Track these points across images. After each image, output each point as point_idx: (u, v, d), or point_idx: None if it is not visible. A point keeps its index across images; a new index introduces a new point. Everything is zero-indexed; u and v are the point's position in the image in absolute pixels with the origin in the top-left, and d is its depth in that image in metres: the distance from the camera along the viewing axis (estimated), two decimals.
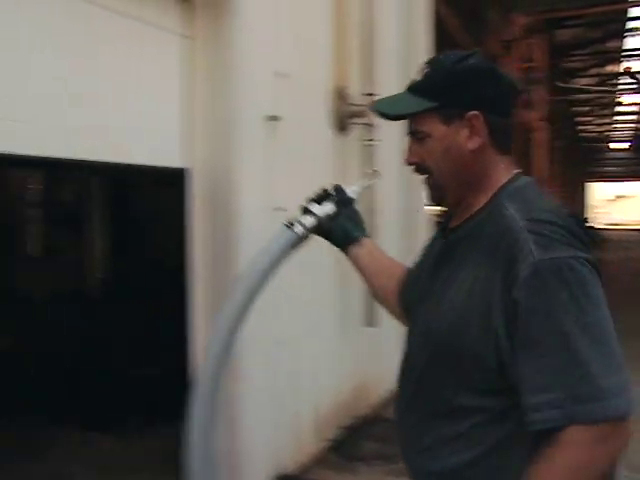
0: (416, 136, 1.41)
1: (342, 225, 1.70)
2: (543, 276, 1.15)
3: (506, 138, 1.40)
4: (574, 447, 1.13)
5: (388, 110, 1.47)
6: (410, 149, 1.43)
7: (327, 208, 1.74)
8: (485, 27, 10.61)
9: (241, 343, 3.25)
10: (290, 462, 3.82)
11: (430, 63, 1.42)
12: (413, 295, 1.48)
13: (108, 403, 4.64)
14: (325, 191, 1.73)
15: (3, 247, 6.46)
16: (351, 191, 1.76)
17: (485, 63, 1.40)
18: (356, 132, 4.23)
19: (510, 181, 1.37)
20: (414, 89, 1.41)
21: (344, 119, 4.10)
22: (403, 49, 5.29)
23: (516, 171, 1.40)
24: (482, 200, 1.36)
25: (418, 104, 1.38)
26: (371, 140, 4.08)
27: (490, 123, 1.35)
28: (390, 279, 1.62)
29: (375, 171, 1.69)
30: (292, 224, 1.69)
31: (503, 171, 1.38)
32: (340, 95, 4.14)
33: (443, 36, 6.76)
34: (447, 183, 1.40)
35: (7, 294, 5.77)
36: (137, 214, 5.38)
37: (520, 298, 1.16)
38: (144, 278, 4.82)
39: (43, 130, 2.56)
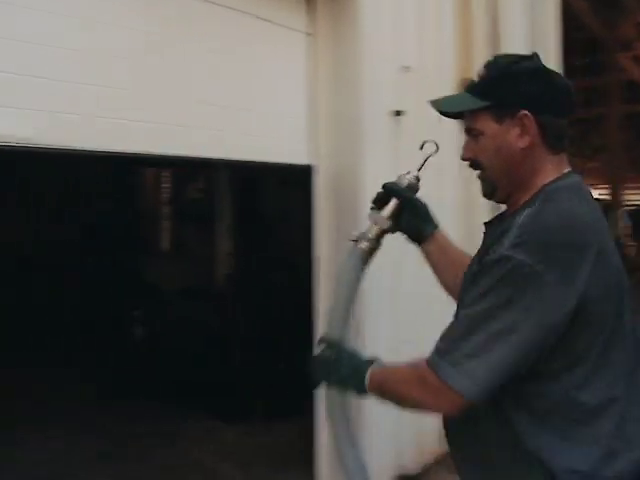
0: (471, 133, 1.49)
1: (408, 223, 1.75)
2: (495, 266, 1.30)
3: (558, 137, 1.45)
4: (414, 372, 1.41)
5: (446, 108, 1.56)
6: (465, 145, 1.51)
7: (387, 211, 1.74)
8: (618, 10, 10.01)
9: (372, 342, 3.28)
10: (412, 463, 3.81)
11: (487, 65, 1.49)
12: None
13: (235, 395, 4.78)
14: (383, 191, 1.76)
15: (138, 243, 6.85)
16: (409, 180, 1.74)
17: (539, 65, 1.47)
18: None
19: (553, 181, 1.42)
20: (471, 89, 1.49)
21: None
22: (529, 36, 5.06)
23: (566, 170, 1.45)
24: (525, 198, 1.42)
25: (473, 103, 1.46)
26: None
27: (541, 123, 1.41)
28: (458, 275, 1.62)
29: (427, 142, 1.57)
30: (357, 240, 1.74)
31: (551, 171, 1.43)
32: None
33: (571, 20, 6.43)
34: (498, 179, 1.48)
35: (141, 289, 6.11)
36: (264, 211, 5.50)
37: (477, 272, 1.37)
38: (271, 275, 4.93)
39: (180, 131, 2.68)
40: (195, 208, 7.02)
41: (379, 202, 1.77)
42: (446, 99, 1.58)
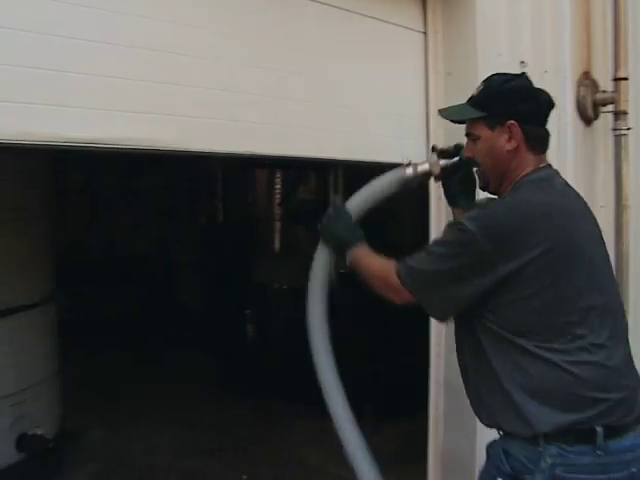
0: (470, 137, 1.94)
1: (452, 186, 2.21)
2: (455, 228, 1.83)
3: (539, 142, 1.88)
4: (384, 268, 1.94)
5: (452, 116, 2.02)
6: (467, 147, 1.98)
7: (445, 162, 2.12)
8: None
9: None
10: None
11: (485, 82, 1.93)
12: None
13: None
14: (454, 147, 2.15)
15: (250, 244, 7.03)
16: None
17: (526, 83, 1.92)
18: (605, 121, 3.92)
19: (528, 174, 1.85)
20: (471, 102, 1.93)
21: (592, 107, 3.82)
22: None
23: (541, 165, 1.88)
24: (509, 189, 1.87)
25: (472, 113, 1.90)
26: (624, 129, 3.73)
27: (525, 131, 1.83)
28: None
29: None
30: (409, 164, 2.17)
31: (529, 167, 1.86)
32: (587, 82, 3.86)
33: None
34: (490, 173, 1.92)
35: (253, 289, 6.26)
36: (379, 211, 5.47)
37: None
38: None
39: (299, 132, 2.75)
40: (306, 208, 7.16)
41: (443, 153, 2.17)
42: (452, 109, 2.03)
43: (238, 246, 6.73)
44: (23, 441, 3.95)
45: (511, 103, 1.84)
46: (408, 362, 4.97)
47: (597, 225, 1.91)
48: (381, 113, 3.17)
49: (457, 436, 3.36)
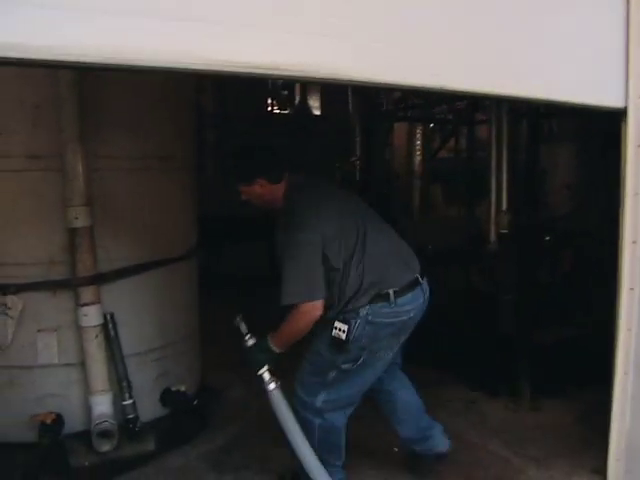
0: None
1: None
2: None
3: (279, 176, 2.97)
4: (291, 317, 2.77)
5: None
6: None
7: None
8: None
9: None
10: None
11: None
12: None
13: (501, 366, 4.41)
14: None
15: (390, 202, 6.68)
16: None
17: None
18: None
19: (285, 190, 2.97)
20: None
21: None
22: None
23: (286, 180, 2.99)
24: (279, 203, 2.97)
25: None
26: None
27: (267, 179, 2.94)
28: None
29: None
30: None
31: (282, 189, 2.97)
32: None
33: None
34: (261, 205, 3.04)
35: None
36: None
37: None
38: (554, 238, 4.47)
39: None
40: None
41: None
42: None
43: (376, 204, 6.39)
44: (167, 396, 3.87)
45: (253, 169, 2.98)
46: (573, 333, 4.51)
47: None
48: (577, 50, 2.70)
49: None
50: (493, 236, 4.27)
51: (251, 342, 2.92)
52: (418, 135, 6.78)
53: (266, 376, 2.85)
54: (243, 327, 2.98)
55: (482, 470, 3.49)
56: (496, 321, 4.56)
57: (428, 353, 5.06)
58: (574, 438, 3.73)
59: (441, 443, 3.37)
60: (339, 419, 2.97)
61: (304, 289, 2.70)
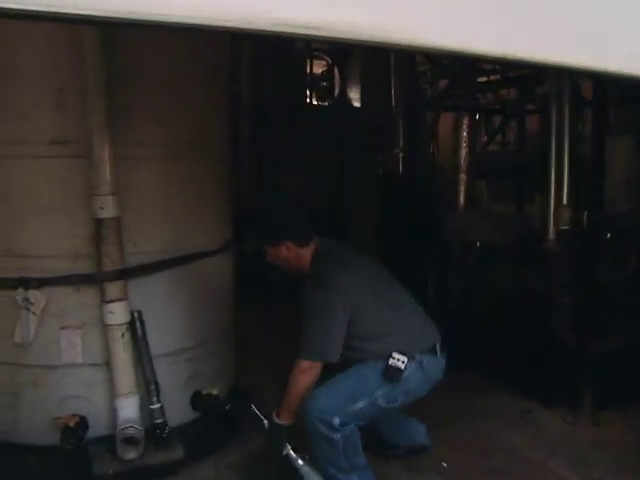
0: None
1: None
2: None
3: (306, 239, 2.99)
4: (294, 380, 2.85)
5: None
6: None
7: None
8: None
9: None
10: None
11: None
12: None
13: (558, 374, 4.07)
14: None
15: (434, 197, 6.37)
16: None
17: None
18: None
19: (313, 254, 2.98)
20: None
21: None
22: None
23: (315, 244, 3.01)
24: (307, 266, 2.98)
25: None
26: None
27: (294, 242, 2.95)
28: None
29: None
30: None
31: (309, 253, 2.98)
32: None
33: None
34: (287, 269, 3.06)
35: (437, 246, 5.62)
36: None
37: None
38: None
39: None
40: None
41: None
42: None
43: (420, 199, 6.08)
44: (197, 399, 3.64)
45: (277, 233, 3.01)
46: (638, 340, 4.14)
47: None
48: None
49: None
50: (552, 233, 3.92)
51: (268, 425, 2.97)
52: (464, 127, 6.39)
53: (292, 454, 2.89)
54: (258, 413, 3.04)
55: None
56: (550, 324, 4.22)
57: (472, 356, 4.76)
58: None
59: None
60: (354, 432, 2.90)
61: (319, 349, 2.80)
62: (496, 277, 4.85)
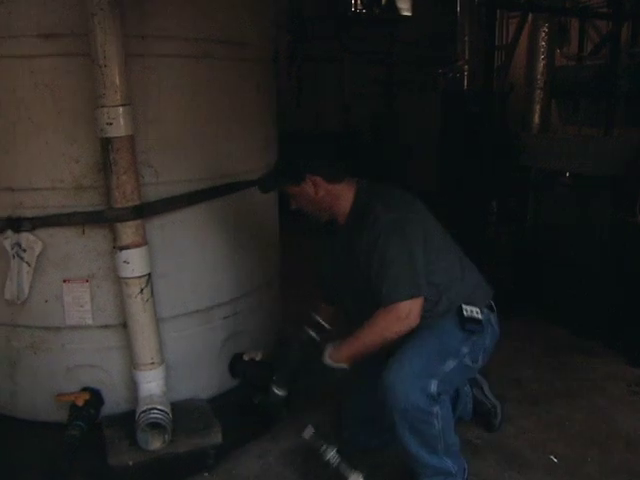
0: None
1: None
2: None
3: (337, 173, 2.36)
4: (378, 322, 2.22)
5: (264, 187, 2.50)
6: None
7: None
8: None
9: None
10: None
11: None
12: (339, 282, 2.48)
13: None
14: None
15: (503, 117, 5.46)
16: None
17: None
18: None
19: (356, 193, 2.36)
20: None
21: None
22: None
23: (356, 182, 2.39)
24: (346, 207, 2.35)
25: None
26: None
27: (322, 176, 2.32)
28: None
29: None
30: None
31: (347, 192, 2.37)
32: None
33: None
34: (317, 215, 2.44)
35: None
36: None
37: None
38: None
39: None
40: None
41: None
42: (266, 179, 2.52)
43: (484, 120, 5.17)
44: (238, 365, 2.95)
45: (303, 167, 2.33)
46: None
47: None
48: None
49: None
50: None
51: (330, 455, 2.37)
52: (544, 34, 5.39)
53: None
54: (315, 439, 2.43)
55: None
56: None
57: (564, 310, 4.00)
58: None
59: None
60: (449, 407, 2.36)
61: (416, 280, 2.20)
62: (592, 214, 4.00)
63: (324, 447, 2.37)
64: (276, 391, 2.51)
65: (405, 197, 2.35)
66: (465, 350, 2.28)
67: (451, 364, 2.24)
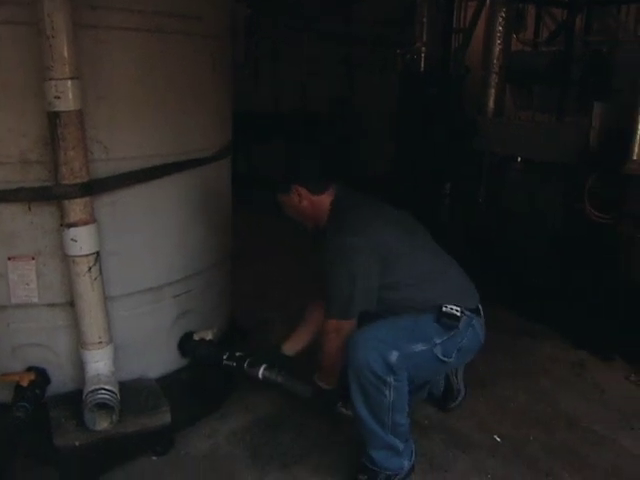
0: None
1: None
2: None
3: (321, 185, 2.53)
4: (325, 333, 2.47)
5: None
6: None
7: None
8: None
9: None
10: None
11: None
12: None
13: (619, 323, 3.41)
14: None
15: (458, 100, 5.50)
16: None
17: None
18: None
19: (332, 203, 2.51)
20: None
21: None
22: None
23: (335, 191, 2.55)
24: (324, 217, 2.51)
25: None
26: None
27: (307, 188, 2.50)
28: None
29: None
30: None
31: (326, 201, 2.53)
32: None
33: None
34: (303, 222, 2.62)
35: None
36: None
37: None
38: None
39: None
40: None
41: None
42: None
43: (441, 103, 5.21)
44: (187, 344, 2.93)
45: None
46: None
47: None
48: None
49: None
50: (637, 153, 3.13)
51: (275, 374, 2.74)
52: (501, 19, 5.43)
53: (344, 411, 2.60)
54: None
55: None
56: (614, 263, 3.50)
57: (512, 294, 4.09)
58: None
59: None
60: (406, 385, 2.35)
61: (345, 305, 2.39)
62: (544, 200, 4.08)
63: (275, 369, 2.70)
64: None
65: (368, 213, 2.46)
66: (437, 340, 2.38)
67: (420, 347, 2.35)
